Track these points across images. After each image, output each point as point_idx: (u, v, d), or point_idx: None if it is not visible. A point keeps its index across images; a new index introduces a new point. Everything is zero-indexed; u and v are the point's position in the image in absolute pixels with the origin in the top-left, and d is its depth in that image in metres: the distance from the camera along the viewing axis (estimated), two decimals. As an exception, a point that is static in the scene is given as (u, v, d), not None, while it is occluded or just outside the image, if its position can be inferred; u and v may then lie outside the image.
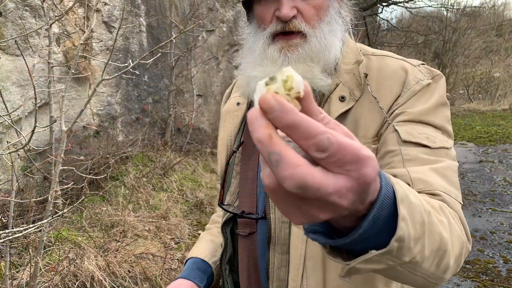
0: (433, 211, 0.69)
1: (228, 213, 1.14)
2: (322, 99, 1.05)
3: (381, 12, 12.87)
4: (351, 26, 1.13)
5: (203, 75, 6.51)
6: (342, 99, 1.01)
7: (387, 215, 0.54)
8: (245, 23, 1.15)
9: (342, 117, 1.01)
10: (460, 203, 0.88)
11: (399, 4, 11.21)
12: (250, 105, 1.20)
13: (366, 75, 1.01)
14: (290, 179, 0.43)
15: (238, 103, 1.23)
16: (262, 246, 1.08)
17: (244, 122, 1.20)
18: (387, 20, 14.08)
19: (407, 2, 10.74)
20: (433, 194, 0.84)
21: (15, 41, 2.42)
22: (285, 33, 1.01)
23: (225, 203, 1.16)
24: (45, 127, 2.20)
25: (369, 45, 12.52)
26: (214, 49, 6.66)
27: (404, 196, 0.57)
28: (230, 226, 1.16)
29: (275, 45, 1.02)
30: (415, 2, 10.93)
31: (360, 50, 1.08)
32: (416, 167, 0.89)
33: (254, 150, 1.14)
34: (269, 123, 0.43)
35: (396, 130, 0.95)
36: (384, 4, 11.56)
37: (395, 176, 0.86)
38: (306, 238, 0.98)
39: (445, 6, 14.00)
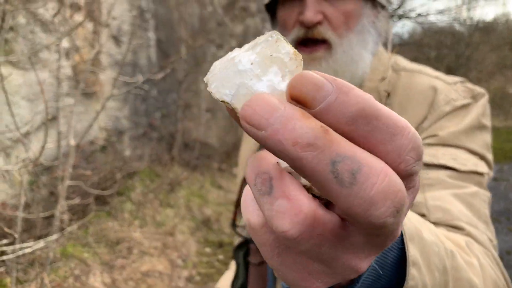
0: (458, 250, 0.55)
1: (241, 237, 1.04)
2: None
3: (393, 26, 12.87)
4: (387, 38, 1.01)
5: (212, 89, 6.49)
6: None
7: (394, 260, 0.41)
8: (268, 28, 1.05)
9: None
10: (491, 241, 0.72)
11: (410, 19, 11.19)
12: None
13: (388, 94, 0.89)
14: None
15: None
16: (272, 277, 1.00)
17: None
18: (399, 35, 14.06)
19: (418, 16, 10.72)
20: (454, 227, 0.69)
21: (29, 57, 2.41)
22: (308, 44, 0.90)
23: (240, 225, 1.06)
24: (55, 143, 2.17)
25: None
26: (223, 63, 6.67)
27: (414, 232, 0.43)
28: (243, 251, 1.07)
29: (299, 54, 0.91)
30: (427, 16, 10.90)
31: (392, 65, 0.95)
32: (435, 192, 0.74)
33: None
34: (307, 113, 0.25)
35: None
36: (395, 19, 11.56)
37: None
38: None
39: (458, 20, 13.95)
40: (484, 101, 0.89)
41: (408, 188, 0.27)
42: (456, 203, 0.73)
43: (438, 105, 0.86)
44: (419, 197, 0.74)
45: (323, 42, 0.89)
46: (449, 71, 16.03)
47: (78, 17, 4.30)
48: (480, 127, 0.86)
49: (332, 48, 0.89)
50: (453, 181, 0.77)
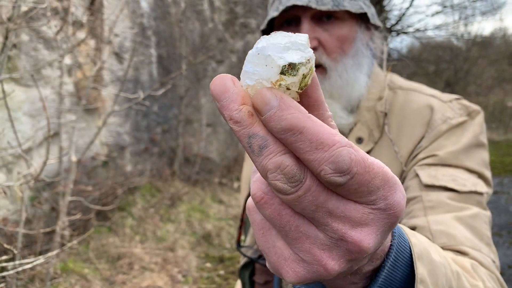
0: (464, 273, 0.56)
1: (246, 257, 1.06)
2: None
3: (391, 41, 12.98)
4: (382, 57, 1.03)
5: (212, 104, 6.54)
6: (359, 140, 0.91)
7: (402, 277, 0.43)
8: None
9: None
10: (494, 262, 0.73)
11: (409, 34, 11.30)
12: None
13: (385, 114, 0.91)
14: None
15: None
16: None
17: None
18: (397, 50, 14.17)
19: (416, 32, 10.83)
20: (458, 252, 0.71)
21: (31, 75, 2.45)
22: None
23: (244, 245, 1.08)
24: (56, 159, 2.19)
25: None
26: (223, 79, 6.73)
27: (423, 252, 0.45)
28: (249, 270, 1.09)
29: None
30: (424, 31, 11.01)
31: (388, 84, 0.97)
32: (438, 216, 0.76)
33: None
34: (248, 98, 0.34)
35: (417, 175, 0.83)
36: (393, 34, 11.66)
37: (413, 228, 0.76)
38: None
39: (456, 35, 14.08)
40: (480, 119, 0.90)
41: (334, 187, 0.33)
42: (459, 227, 0.74)
43: (435, 124, 0.87)
44: (421, 221, 0.76)
45: (318, 67, 0.93)
46: (448, 85, 16.11)
47: (81, 34, 4.36)
48: (477, 145, 0.87)
49: (327, 72, 0.92)
50: (454, 203, 0.78)
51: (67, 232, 3.74)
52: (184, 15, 5.49)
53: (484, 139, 0.89)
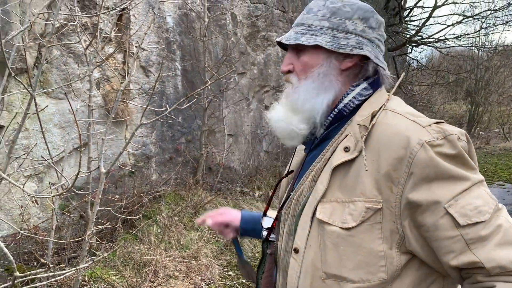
0: None
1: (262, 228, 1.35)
2: (333, 150, 1.09)
3: (411, 52, 12.93)
4: (383, 80, 1.16)
5: (234, 115, 6.65)
6: (346, 149, 1.05)
7: None
8: None
9: (345, 167, 1.04)
10: None
11: (428, 45, 11.23)
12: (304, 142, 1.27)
13: (366, 128, 1.03)
14: None
15: None
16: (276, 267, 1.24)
17: (294, 154, 1.37)
18: (417, 60, 14.08)
19: (436, 42, 10.76)
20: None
21: (65, 93, 2.59)
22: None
23: (268, 216, 1.36)
24: (87, 172, 2.31)
25: (398, 85, 12.49)
26: (245, 90, 6.83)
27: None
28: (266, 244, 1.33)
29: (284, 92, 1.21)
30: (445, 42, 10.94)
31: (384, 105, 1.08)
32: (482, 250, 0.90)
33: (294, 180, 1.25)
34: None
35: (449, 213, 0.93)
36: (413, 44, 11.62)
37: (471, 264, 0.91)
38: (299, 271, 1.07)
39: (476, 45, 13.93)
40: (453, 139, 0.97)
41: None
42: (503, 252, 0.90)
43: (411, 147, 0.95)
44: (473, 258, 0.91)
45: (291, 84, 1.17)
46: (469, 94, 15.91)
47: (109, 49, 4.53)
48: (461, 162, 0.96)
49: (292, 89, 1.16)
50: (488, 232, 0.91)
51: (95, 240, 3.87)
52: (207, 29, 5.64)
53: (459, 152, 0.97)
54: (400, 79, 1.16)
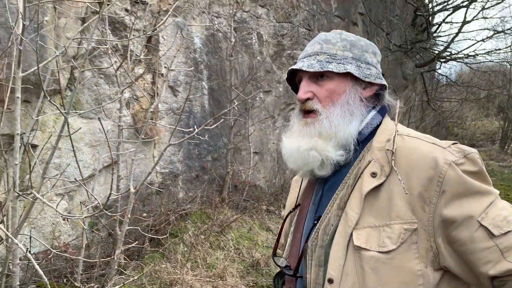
0: None
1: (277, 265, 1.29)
2: (356, 176, 1.12)
3: (439, 68, 12.74)
4: (389, 108, 1.25)
5: (260, 133, 6.68)
6: (373, 175, 1.08)
7: None
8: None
9: (374, 193, 1.07)
10: None
11: (458, 60, 11.05)
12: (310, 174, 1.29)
13: (392, 152, 1.07)
14: None
15: None
16: None
17: (301, 187, 1.36)
18: (446, 76, 13.84)
19: (466, 57, 10.57)
20: None
21: (99, 118, 2.67)
22: (305, 113, 1.20)
23: (280, 257, 1.31)
24: (118, 194, 2.36)
25: (428, 101, 12.34)
26: (270, 108, 6.86)
27: None
28: (282, 279, 1.30)
29: (301, 121, 1.21)
30: (475, 57, 10.74)
31: (397, 131, 1.14)
32: None
33: (306, 214, 1.25)
34: None
35: (482, 226, 0.99)
36: (442, 60, 11.46)
37: (507, 272, 0.96)
38: None
39: (508, 60, 13.61)
40: (473, 157, 1.05)
41: None
42: None
43: (440, 168, 1.02)
44: (509, 265, 0.97)
45: (312, 111, 1.19)
46: (501, 110, 15.51)
47: (139, 70, 4.64)
48: (481, 178, 1.04)
49: (318, 116, 1.17)
50: None
51: (122, 259, 3.91)
52: (234, 49, 5.72)
53: (479, 168, 1.05)
54: (398, 106, 1.22)
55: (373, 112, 1.21)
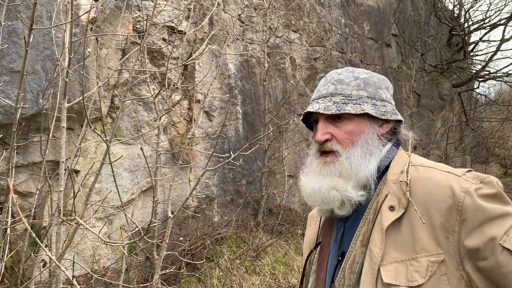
0: None
1: None
2: (376, 211, 1.12)
3: (478, 87, 12.42)
4: (405, 141, 1.26)
5: (294, 156, 6.67)
6: (391, 208, 1.08)
7: None
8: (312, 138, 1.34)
9: (395, 226, 1.06)
10: None
11: (497, 79, 10.75)
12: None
13: (406, 184, 1.07)
14: None
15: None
16: None
17: (321, 225, 1.35)
18: (485, 95, 13.46)
19: (506, 76, 10.28)
20: None
21: (141, 148, 2.76)
22: (324, 152, 1.20)
23: None
24: (159, 222, 2.41)
25: (466, 121, 12.01)
26: (304, 131, 6.87)
27: None
28: None
29: (318, 160, 1.20)
30: (515, 76, 10.43)
31: (410, 161, 1.14)
32: None
33: (328, 252, 1.24)
34: None
35: (506, 248, 0.97)
36: (480, 79, 11.18)
37: None
38: None
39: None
40: (491, 181, 1.05)
41: None
42: None
43: (460, 200, 1.01)
44: None
45: (331, 152, 1.19)
46: (546, 130, 14.88)
47: (175, 96, 4.77)
48: (502, 200, 1.03)
49: (338, 157, 1.17)
50: None
51: (160, 284, 3.95)
52: (267, 74, 5.80)
53: (498, 192, 1.05)
54: (411, 137, 1.24)
55: (389, 145, 1.22)
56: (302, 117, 1.29)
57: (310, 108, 1.21)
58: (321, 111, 1.17)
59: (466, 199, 1.00)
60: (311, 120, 1.30)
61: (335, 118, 1.19)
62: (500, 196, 1.03)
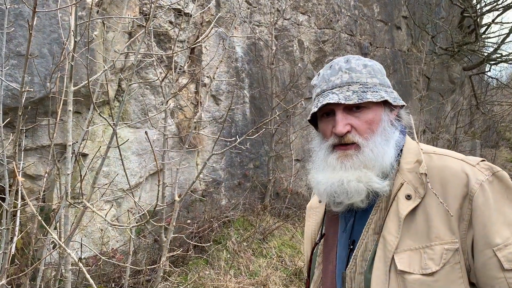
0: None
1: None
2: (389, 199, 1.12)
3: (489, 70, 12.22)
4: (409, 129, 1.25)
5: (301, 140, 6.66)
6: (408, 197, 1.08)
7: None
8: (315, 134, 1.32)
9: (412, 215, 1.06)
10: None
11: (509, 62, 10.56)
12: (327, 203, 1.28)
13: (425, 174, 1.07)
14: None
15: (320, 201, 1.36)
16: None
17: (324, 216, 1.33)
18: (497, 78, 13.24)
19: (518, 59, 10.08)
20: None
21: (143, 125, 2.76)
22: (343, 144, 1.15)
23: None
24: (164, 206, 2.43)
25: (476, 104, 11.86)
26: (312, 115, 6.84)
27: None
28: None
29: (334, 154, 1.16)
30: (527, 58, 10.23)
31: (421, 149, 1.14)
32: None
33: (334, 243, 1.23)
34: None
35: (496, 256, 1.00)
36: (492, 62, 10.99)
37: None
38: None
39: None
40: (503, 175, 1.06)
41: None
42: None
43: (473, 190, 1.03)
44: None
45: (353, 144, 1.15)
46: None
47: (182, 80, 4.76)
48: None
49: (361, 148, 1.14)
50: None
51: (167, 266, 4.01)
52: (275, 57, 5.75)
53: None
54: (414, 124, 1.23)
55: (397, 133, 1.20)
56: (316, 110, 1.18)
57: (328, 100, 1.13)
58: (342, 102, 1.11)
59: (478, 192, 1.01)
60: (317, 113, 1.24)
61: (353, 109, 1.15)
62: (510, 190, 1.04)
